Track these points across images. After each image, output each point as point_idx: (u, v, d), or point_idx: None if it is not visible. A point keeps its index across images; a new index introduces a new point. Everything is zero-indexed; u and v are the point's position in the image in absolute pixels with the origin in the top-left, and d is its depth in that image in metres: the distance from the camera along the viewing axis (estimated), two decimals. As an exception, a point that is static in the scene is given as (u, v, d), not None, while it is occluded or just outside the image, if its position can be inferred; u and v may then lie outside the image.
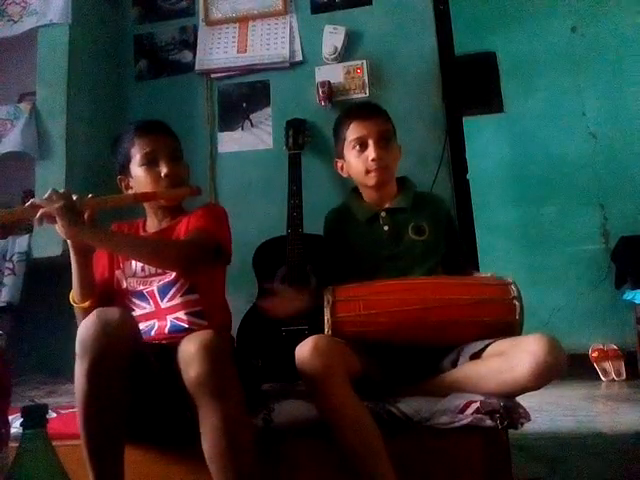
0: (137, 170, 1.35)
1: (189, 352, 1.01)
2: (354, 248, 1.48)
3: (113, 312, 1.04)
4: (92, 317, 1.02)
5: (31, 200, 1.13)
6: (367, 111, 1.54)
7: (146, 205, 1.40)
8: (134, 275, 1.33)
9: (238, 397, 1.02)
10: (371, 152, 1.46)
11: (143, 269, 1.32)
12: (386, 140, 1.50)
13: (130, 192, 1.37)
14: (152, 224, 1.41)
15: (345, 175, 1.57)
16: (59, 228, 1.11)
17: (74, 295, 1.25)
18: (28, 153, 2.14)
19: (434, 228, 1.48)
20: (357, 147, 1.49)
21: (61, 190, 1.13)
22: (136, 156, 1.34)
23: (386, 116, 1.56)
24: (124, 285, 1.34)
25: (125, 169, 1.38)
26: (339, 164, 1.58)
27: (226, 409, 0.99)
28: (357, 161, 1.49)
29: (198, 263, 1.26)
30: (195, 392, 1.00)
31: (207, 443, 1.00)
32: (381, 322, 1.21)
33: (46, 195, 1.12)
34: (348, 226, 1.51)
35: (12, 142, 2.14)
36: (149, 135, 1.36)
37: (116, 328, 1.01)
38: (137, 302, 1.33)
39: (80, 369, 1.00)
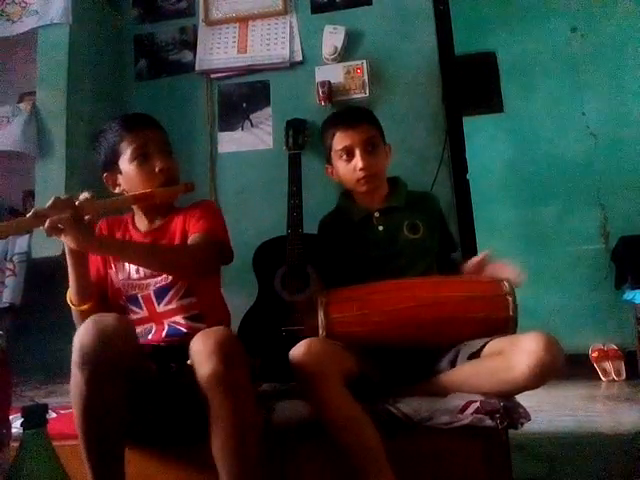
0: (128, 166, 1.29)
1: (204, 349, 1.00)
2: (350, 250, 1.47)
3: (109, 319, 1.02)
4: (89, 325, 1.00)
5: (34, 209, 1.06)
6: (351, 119, 1.51)
7: None
8: (128, 278, 1.29)
9: (251, 395, 1.03)
10: (358, 162, 1.44)
11: (138, 271, 1.28)
12: (372, 146, 1.47)
13: (118, 189, 1.32)
14: (142, 222, 1.35)
15: (336, 180, 1.56)
16: (68, 238, 1.06)
17: (72, 297, 1.21)
18: (29, 154, 2.14)
19: (428, 225, 1.48)
20: (344, 156, 1.47)
21: (63, 196, 1.08)
22: (126, 151, 1.28)
23: (371, 120, 1.53)
24: (117, 286, 1.30)
25: (112, 165, 1.32)
26: (329, 169, 1.56)
27: (240, 406, 1.00)
28: (346, 170, 1.48)
29: (211, 267, 1.27)
30: (209, 388, 1.00)
31: (218, 439, 1.00)
32: (374, 322, 1.21)
33: (49, 203, 1.06)
34: (343, 229, 1.50)
35: (11, 141, 2.13)
36: (140, 129, 1.31)
37: (114, 336, 0.99)
38: (130, 307, 1.29)
39: (78, 378, 0.99)
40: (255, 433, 1.02)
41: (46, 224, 1.04)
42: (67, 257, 1.17)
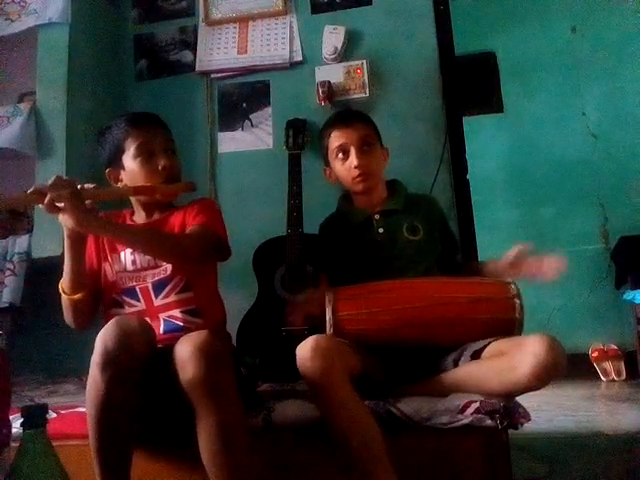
0: (132, 163, 1.30)
1: (184, 354, 1.00)
2: (351, 253, 1.47)
3: (133, 321, 1.03)
4: (113, 327, 1.00)
5: (34, 186, 1.09)
6: (346, 118, 1.55)
7: (134, 199, 1.36)
8: (124, 270, 1.29)
9: (235, 398, 1.02)
10: (353, 159, 1.47)
11: (134, 263, 1.28)
12: (368, 145, 1.49)
13: (120, 185, 1.33)
14: (140, 217, 1.36)
15: (334, 182, 1.57)
16: (66, 216, 1.08)
17: (64, 285, 1.22)
18: (27, 153, 2.14)
19: (428, 228, 1.49)
20: (340, 155, 1.50)
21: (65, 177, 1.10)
22: (130, 148, 1.30)
23: (367, 121, 1.56)
24: (112, 279, 1.30)
25: (115, 161, 1.33)
26: (327, 172, 1.59)
27: (223, 411, 0.99)
28: (342, 169, 1.50)
29: (208, 257, 1.28)
30: (191, 394, 1.00)
31: (204, 444, 1.00)
32: (382, 320, 1.21)
33: (50, 181, 1.07)
34: (343, 232, 1.52)
35: (9, 139, 2.13)
36: (145, 127, 1.32)
37: (138, 339, 1.00)
38: (126, 299, 1.28)
39: (98, 378, 0.99)
40: (242, 435, 1.02)
41: (45, 200, 1.06)
42: (65, 244, 1.18)
